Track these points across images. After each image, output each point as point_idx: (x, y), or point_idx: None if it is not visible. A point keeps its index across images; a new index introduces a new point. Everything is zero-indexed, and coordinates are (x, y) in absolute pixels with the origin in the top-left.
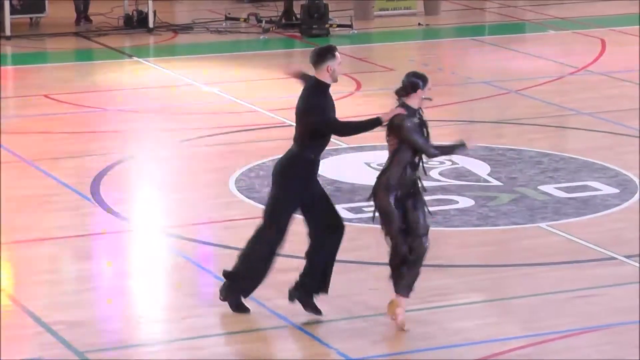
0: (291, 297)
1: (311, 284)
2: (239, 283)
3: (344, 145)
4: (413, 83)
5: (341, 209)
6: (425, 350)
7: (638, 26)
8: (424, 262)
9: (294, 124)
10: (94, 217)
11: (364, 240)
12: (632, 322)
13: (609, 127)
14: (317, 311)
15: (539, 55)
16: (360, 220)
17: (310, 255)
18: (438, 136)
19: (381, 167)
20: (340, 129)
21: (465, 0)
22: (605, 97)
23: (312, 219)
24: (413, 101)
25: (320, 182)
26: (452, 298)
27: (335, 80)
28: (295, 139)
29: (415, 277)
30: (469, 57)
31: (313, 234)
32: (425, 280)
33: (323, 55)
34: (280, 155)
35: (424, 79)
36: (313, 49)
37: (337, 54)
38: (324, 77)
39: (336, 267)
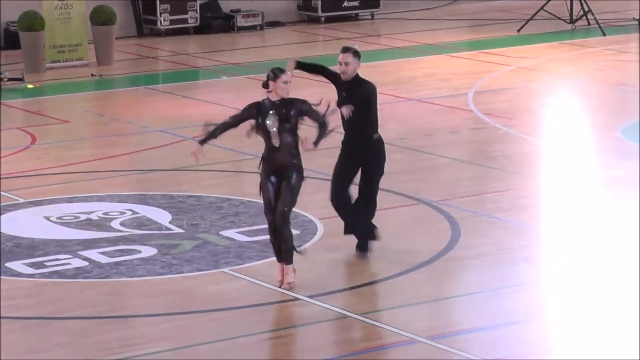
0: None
1: None
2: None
3: (22, 200)
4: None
5: (21, 265)
6: None
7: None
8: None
9: None
10: None
11: (46, 296)
12: None
13: None
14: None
15: (213, 102)
16: (42, 275)
17: None
18: (113, 187)
19: (62, 221)
20: None
21: (139, 46)
22: None
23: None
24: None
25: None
26: (138, 348)
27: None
28: None
29: None
30: (144, 105)
31: None
32: (110, 331)
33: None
34: None
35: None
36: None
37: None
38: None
39: (18, 325)
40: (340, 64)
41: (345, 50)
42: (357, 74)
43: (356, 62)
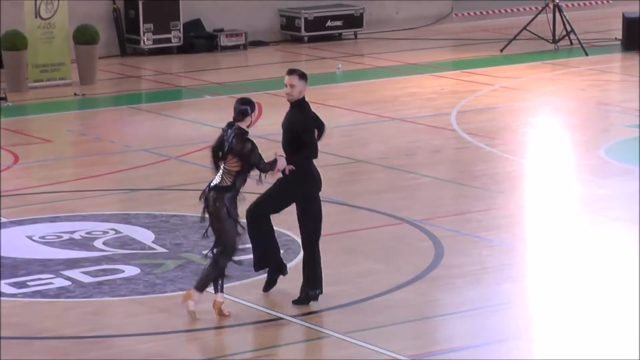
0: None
1: None
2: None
3: (4, 220)
4: (243, 110)
5: (4, 285)
6: None
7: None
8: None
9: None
10: None
11: (28, 316)
12: None
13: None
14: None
15: (196, 121)
16: (24, 295)
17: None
18: (96, 206)
19: (45, 241)
20: None
21: (122, 66)
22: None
23: None
24: (245, 124)
25: None
26: None
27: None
28: None
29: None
30: (126, 125)
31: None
32: (92, 351)
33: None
34: None
35: (252, 104)
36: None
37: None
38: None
39: None
40: (286, 86)
41: (291, 72)
42: (303, 98)
43: (302, 85)
